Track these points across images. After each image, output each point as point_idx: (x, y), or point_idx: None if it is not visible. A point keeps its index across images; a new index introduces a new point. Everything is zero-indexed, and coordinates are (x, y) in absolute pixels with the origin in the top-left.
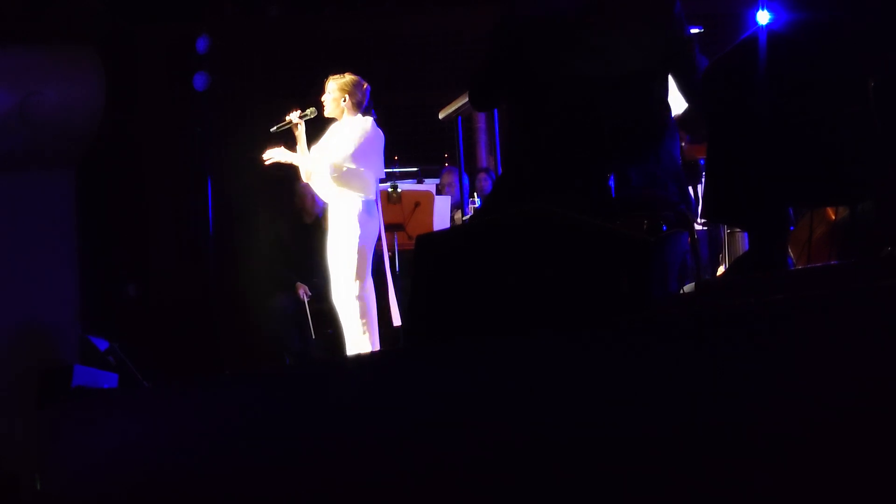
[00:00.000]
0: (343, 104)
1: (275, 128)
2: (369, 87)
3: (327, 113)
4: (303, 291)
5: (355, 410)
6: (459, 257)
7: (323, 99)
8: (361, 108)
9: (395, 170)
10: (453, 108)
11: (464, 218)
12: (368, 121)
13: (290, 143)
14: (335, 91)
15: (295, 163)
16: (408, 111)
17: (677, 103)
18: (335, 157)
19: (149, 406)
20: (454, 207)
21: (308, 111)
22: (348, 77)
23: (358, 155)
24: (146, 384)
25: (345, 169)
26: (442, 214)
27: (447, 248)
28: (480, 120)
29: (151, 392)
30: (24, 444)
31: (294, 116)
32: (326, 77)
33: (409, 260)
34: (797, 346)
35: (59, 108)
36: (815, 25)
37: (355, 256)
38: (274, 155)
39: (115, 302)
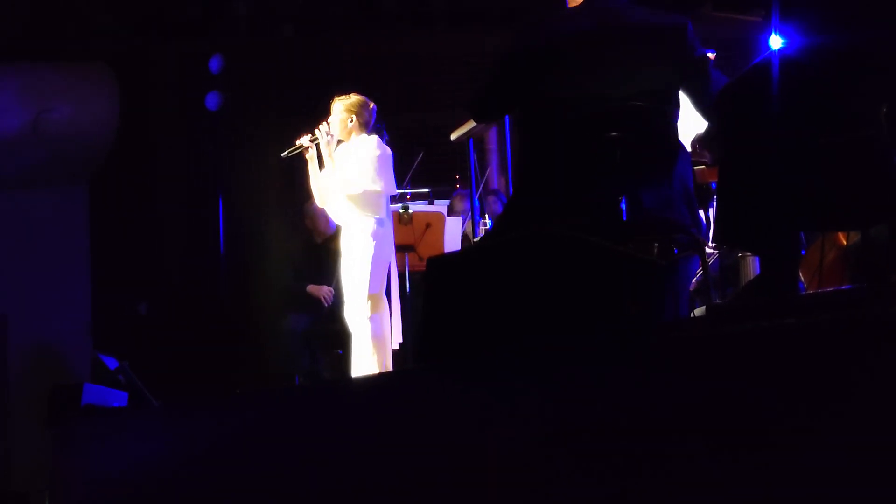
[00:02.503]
0: (350, 125)
1: (286, 152)
2: (375, 107)
3: (335, 134)
4: (325, 293)
5: (366, 430)
6: (470, 278)
7: (329, 121)
8: (368, 128)
9: (406, 191)
10: (465, 130)
11: (474, 240)
12: (374, 139)
13: (303, 166)
14: (342, 112)
15: (312, 175)
16: (419, 132)
17: (698, 123)
18: (355, 184)
19: (158, 425)
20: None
21: (318, 134)
22: (354, 98)
23: (375, 176)
24: (156, 403)
25: (362, 192)
26: (453, 236)
27: (458, 269)
28: (492, 142)
29: (161, 411)
30: (34, 461)
31: (305, 140)
32: (333, 98)
33: (420, 281)
34: (807, 370)
35: (72, 125)
36: (828, 50)
37: (368, 276)
38: (305, 142)
39: (127, 320)
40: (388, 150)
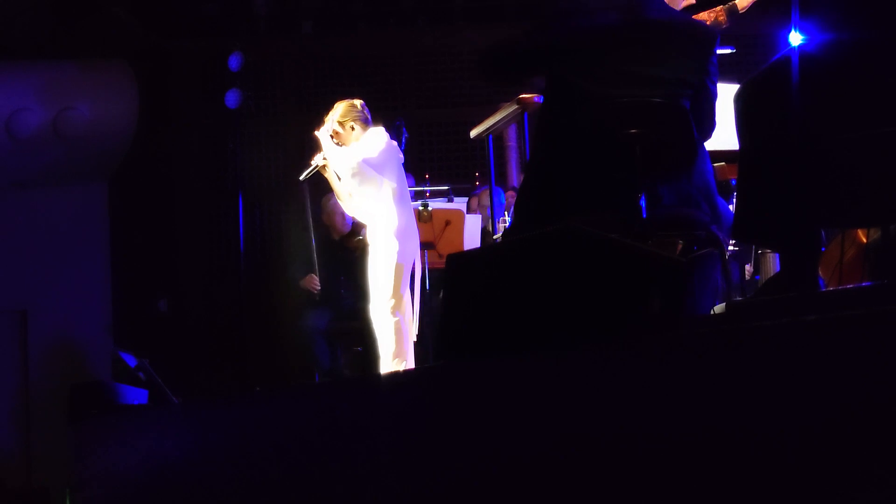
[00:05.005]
0: (354, 132)
1: (303, 175)
2: (363, 102)
3: (347, 147)
4: (313, 283)
5: (386, 427)
6: (490, 276)
7: (333, 139)
8: (369, 123)
9: (425, 188)
10: (485, 127)
11: (494, 237)
12: (380, 129)
13: (325, 184)
14: (338, 126)
15: (336, 188)
16: (438, 129)
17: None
18: (353, 163)
19: (178, 422)
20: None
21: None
22: (340, 107)
23: (376, 160)
24: (176, 400)
25: (360, 168)
26: (472, 233)
27: (478, 266)
28: (512, 138)
29: (181, 408)
30: (54, 456)
31: (318, 159)
32: (361, 98)
33: (439, 278)
34: (828, 367)
35: (92, 124)
36: (848, 46)
37: (392, 274)
38: (319, 161)
39: (147, 318)
40: (394, 143)
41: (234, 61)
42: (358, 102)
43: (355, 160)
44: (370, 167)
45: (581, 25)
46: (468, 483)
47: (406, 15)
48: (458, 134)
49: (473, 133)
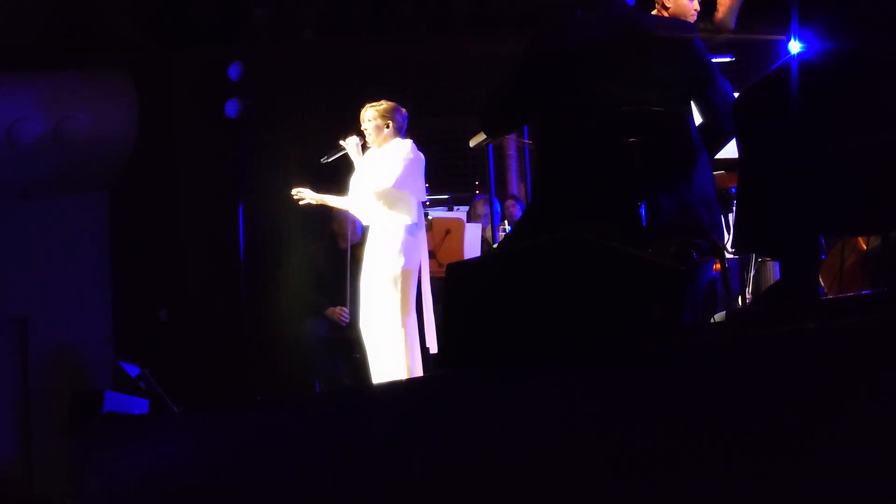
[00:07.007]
0: (386, 131)
1: (326, 158)
2: (407, 112)
3: (370, 142)
4: (343, 314)
5: (387, 437)
6: (490, 285)
7: (364, 128)
8: (402, 132)
9: (425, 197)
10: (484, 136)
11: (493, 245)
12: (409, 143)
13: (326, 172)
14: (377, 118)
15: (328, 203)
16: (439, 137)
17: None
18: (378, 184)
19: (179, 432)
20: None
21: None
22: (386, 104)
23: (401, 179)
24: (176, 410)
25: (388, 193)
26: (472, 242)
27: (478, 275)
28: (511, 147)
29: (181, 418)
30: (55, 467)
31: (347, 144)
32: (362, 106)
33: (440, 287)
34: (827, 375)
35: (92, 133)
36: (847, 53)
37: (399, 283)
38: (303, 193)
39: (147, 327)
40: (422, 156)
41: (234, 71)
42: (404, 109)
43: (382, 183)
44: (393, 190)
45: (569, 40)
46: (470, 491)
47: (407, 23)
48: (459, 142)
49: (473, 142)
